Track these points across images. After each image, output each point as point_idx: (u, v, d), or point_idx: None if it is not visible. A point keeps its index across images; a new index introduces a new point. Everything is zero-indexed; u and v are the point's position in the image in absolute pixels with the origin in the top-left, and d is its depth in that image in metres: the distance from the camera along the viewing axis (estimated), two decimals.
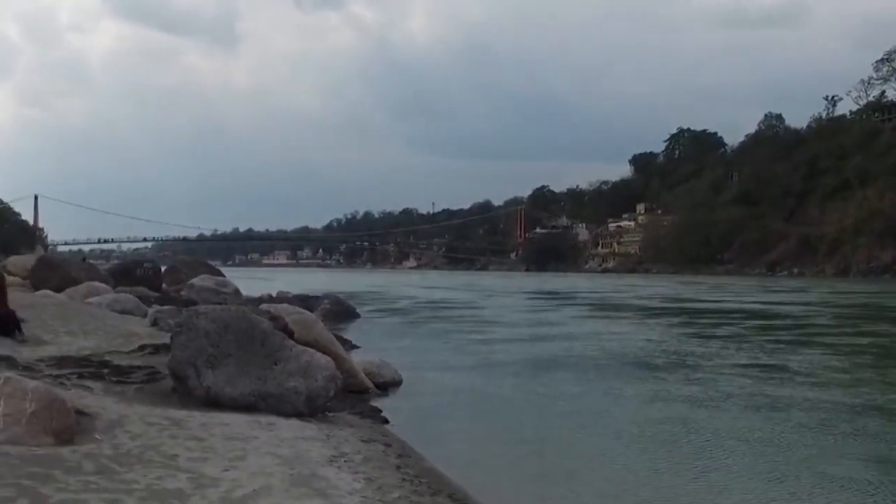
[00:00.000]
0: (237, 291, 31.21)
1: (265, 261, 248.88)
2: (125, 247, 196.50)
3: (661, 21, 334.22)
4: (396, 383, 16.17)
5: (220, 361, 10.55)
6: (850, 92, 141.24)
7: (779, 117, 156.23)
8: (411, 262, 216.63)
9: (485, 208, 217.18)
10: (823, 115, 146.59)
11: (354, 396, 13.84)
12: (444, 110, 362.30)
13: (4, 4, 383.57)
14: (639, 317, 39.67)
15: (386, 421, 12.39)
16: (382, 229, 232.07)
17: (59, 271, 30.19)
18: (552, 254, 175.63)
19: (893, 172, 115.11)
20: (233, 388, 10.45)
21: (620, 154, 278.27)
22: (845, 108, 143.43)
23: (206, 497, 6.45)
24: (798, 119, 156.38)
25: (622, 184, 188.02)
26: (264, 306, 17.09)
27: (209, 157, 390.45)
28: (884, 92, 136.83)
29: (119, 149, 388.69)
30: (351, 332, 25.97)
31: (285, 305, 17.99)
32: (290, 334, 12.19)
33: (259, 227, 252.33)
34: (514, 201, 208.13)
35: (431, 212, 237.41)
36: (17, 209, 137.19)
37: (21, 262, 36.26)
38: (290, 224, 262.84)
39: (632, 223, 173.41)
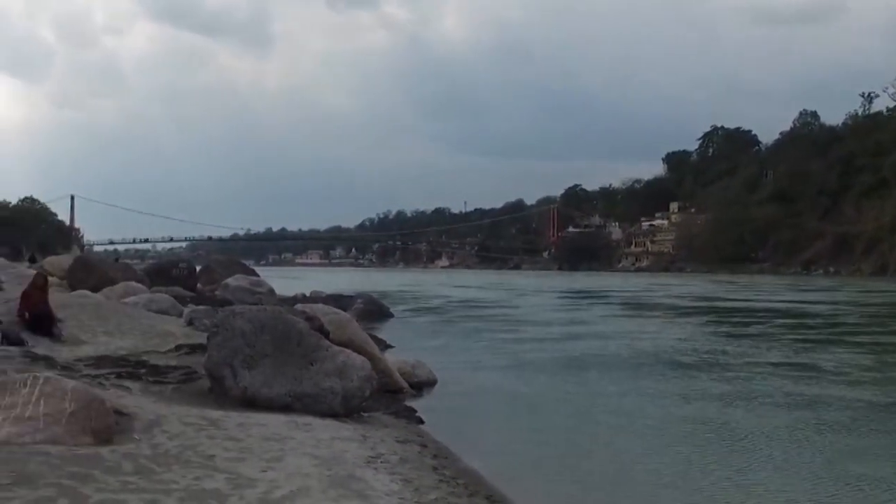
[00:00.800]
0: (271, 291, 31.32)
1: (298, 260, 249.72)
2: (160, 246, 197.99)
3: (695, 17, 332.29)
4: (431, 383, 16.17)
5: (256, 362, 10.58)
6: (886, 88, 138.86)
7: (814, 114, 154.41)
8: (444, 262, 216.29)
9: (517, 207, 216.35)
10: (859, 112, 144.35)
11: (389, 396, 13.84)
12: (477, 109, 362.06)
13: (41, 7, 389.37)
14: (669, 316, 39.51)
15: (421, 421, 12.37)
16: (415, 228, 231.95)
17: (95, 271, 30.42)
18: (585, 253, 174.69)
19: None
20: (269, 389, 10.47)
21: (653, 152, 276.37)
22: (882, 104, 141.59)
23: (244, 498, 6.45)
24: (834, 116, 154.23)
25: (655, 182, 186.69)
26: (299, 306, 17.11)
27: (242, 158, 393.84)
28: None
29: (153, 149, 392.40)
30: (385, 332, 25.98)
31: (320, 305, 18.02)
32: (326, 334, 12.20)
33: (292, 227, 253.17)
34: (547, 200, 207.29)
35: (464, 211, 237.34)
36: (53, 209, 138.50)
37: (58, 262, 36.60)
38: (323, 224, 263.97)
39: (665, 222, 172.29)
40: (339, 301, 31.06)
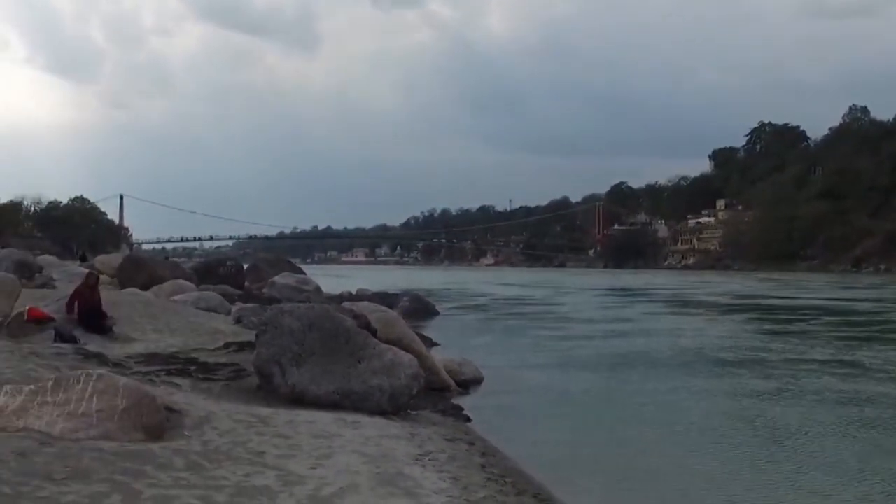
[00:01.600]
0: (318, 289, 31.52)
1: (344, 258, 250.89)
2: (206, 245, 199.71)
3: (741, 13, 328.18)
4: (477, 381, 16.15)
5: (304, 359, 10.64)
6: None
7: (864, 110, 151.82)
8: (489, 260, 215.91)
9: (562, 205, 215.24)
10: None
11: (436, 394, 13.86)
12: (522, 106, 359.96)
13: (91, 9, 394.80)
14: (713, 313, 39.27)
15: (468, 419, 12.38)
16: (460, 226, 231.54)
17: (145, 270, 30.81)
18: (631, 251, 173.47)
19: None
20: (317, 386, 10.52)
21: (700, 149, 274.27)
22: None
23: (293, 494, 6.49)
24: (884, 111, 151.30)
25: (702, 179, 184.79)
26: (346, 304, 17.19)
27: (288, 157, 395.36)
28: None
29: (200, 149, 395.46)
30: (431, 330, 26.02)
31: (366, 303, 18.09)
32: (373, 332, 12.25)
33: (337, 226, 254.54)
34: (592, 198, 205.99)
35: (509, 209, 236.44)
36: (102, 209, 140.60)
37: (108, 260, 37.22)
38: (368, 222, 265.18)
39: (712, 219, 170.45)
40: (386, 299, 31.13)
